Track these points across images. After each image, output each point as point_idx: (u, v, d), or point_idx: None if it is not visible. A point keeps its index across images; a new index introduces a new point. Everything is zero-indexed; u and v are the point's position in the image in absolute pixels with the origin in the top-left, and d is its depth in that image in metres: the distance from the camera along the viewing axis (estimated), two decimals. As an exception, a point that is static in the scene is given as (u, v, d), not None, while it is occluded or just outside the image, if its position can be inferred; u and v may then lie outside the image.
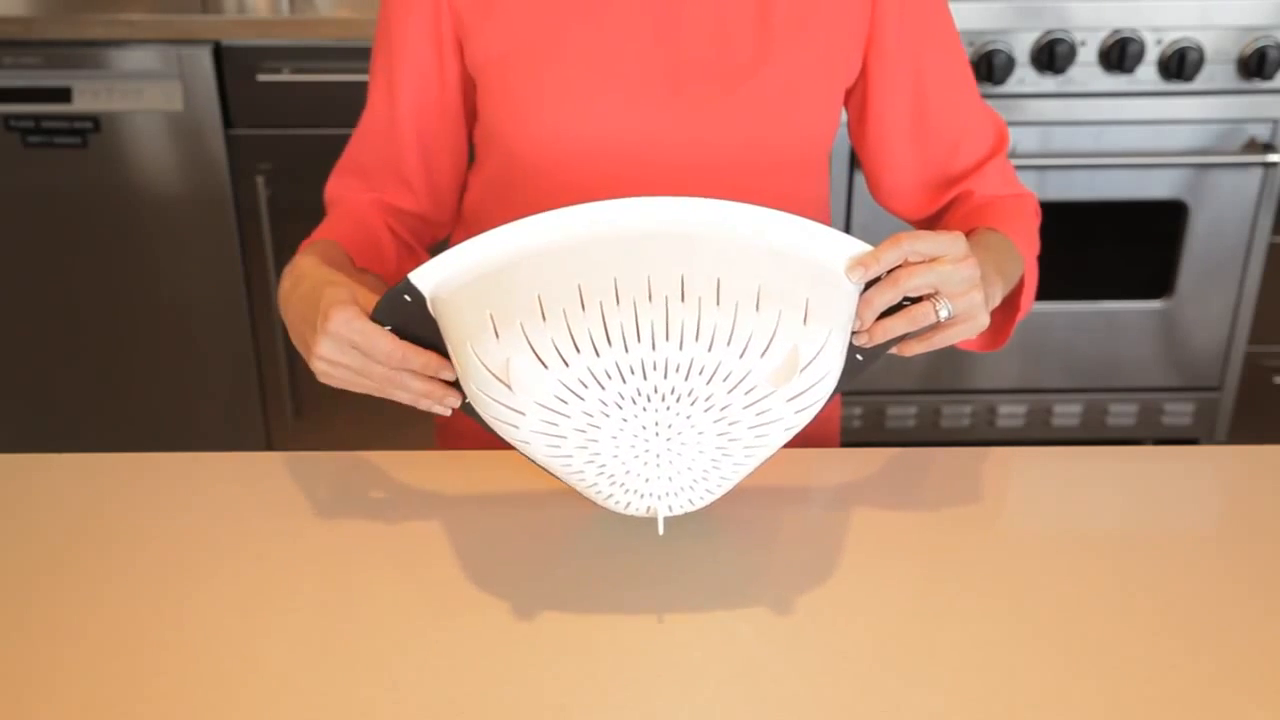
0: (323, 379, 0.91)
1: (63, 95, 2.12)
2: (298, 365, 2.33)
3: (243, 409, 2.36)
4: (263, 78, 2.12)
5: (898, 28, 1.10)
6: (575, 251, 0.82)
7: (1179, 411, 2.39)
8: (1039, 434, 2.41)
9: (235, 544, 0.98)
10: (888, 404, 2.39)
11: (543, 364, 0.80)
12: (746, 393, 0.82)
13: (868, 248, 0.87)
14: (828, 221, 1.21)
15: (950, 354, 2.33)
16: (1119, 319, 2.32)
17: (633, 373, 0.81)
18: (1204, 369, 2.36)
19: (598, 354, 0.80)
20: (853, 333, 0.88)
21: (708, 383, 0.82)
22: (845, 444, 1.58)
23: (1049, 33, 2.10)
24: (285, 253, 2.21)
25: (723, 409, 0.84)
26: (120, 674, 0.85)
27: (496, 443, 0.92)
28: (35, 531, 1.00)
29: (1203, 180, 2.20)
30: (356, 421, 2.27)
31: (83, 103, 2.13)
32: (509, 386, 0.81)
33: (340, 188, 1.17)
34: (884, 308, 0.89)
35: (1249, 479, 1.09)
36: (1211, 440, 2.41)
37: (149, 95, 2.12)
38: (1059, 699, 0.83)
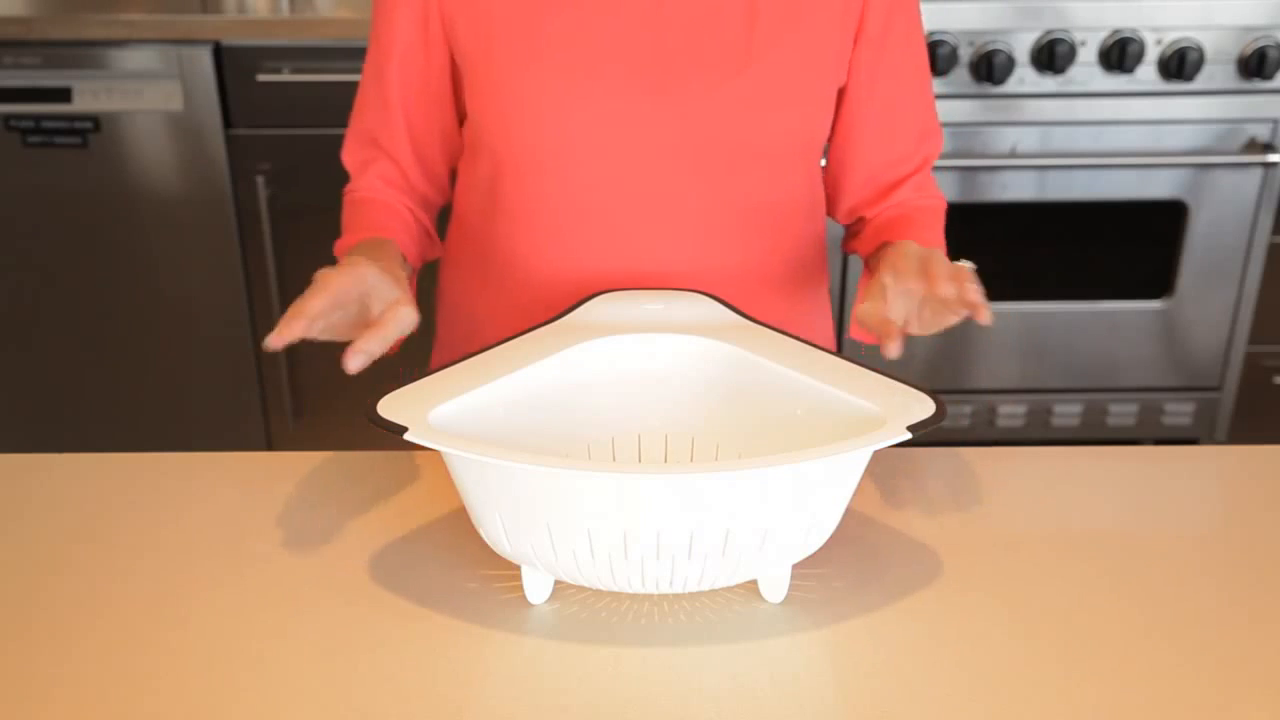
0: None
1: (63, 95, 2.12)
2: (298, 365, 2.33)
3: (243, 409, 2.36)
4: (263, 78, 2.12)
5: (884, 32, 1.10)
6: (584, 494, 0.82)
7: (1179, 411, 2.39)
8: (1039, 434, 2.41)
9: (235, 544, 0.98)
10: (888, 404, 2.39)
11: (549, 571, 0.88)
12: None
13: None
14: (819, 217, 1.21)
15: (950, 353, 2.33)
16: (1119, 319, 2.32)
17: (632, 582, 0.87)
18: (1204, 369, 2.36)
19: (612, 578, 0.86)
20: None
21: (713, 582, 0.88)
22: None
23: (1049, 33, 2.10)
24: (285, 253, 2.22)
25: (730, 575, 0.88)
26: (120, 673, 0.85)
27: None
28: (35, 532, 1.00)
29: (1203, 180, 2.20)
30: (356, 422, 2.26)
31: (83, 103, 2.13)
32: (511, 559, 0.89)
33: (361, 158, 1.18)
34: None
35: (1249, 479, 1.09)
36: (1211, 440, 2.41)
37: (149, 95, 2.12)
38: (1058, 699, 0.83)
